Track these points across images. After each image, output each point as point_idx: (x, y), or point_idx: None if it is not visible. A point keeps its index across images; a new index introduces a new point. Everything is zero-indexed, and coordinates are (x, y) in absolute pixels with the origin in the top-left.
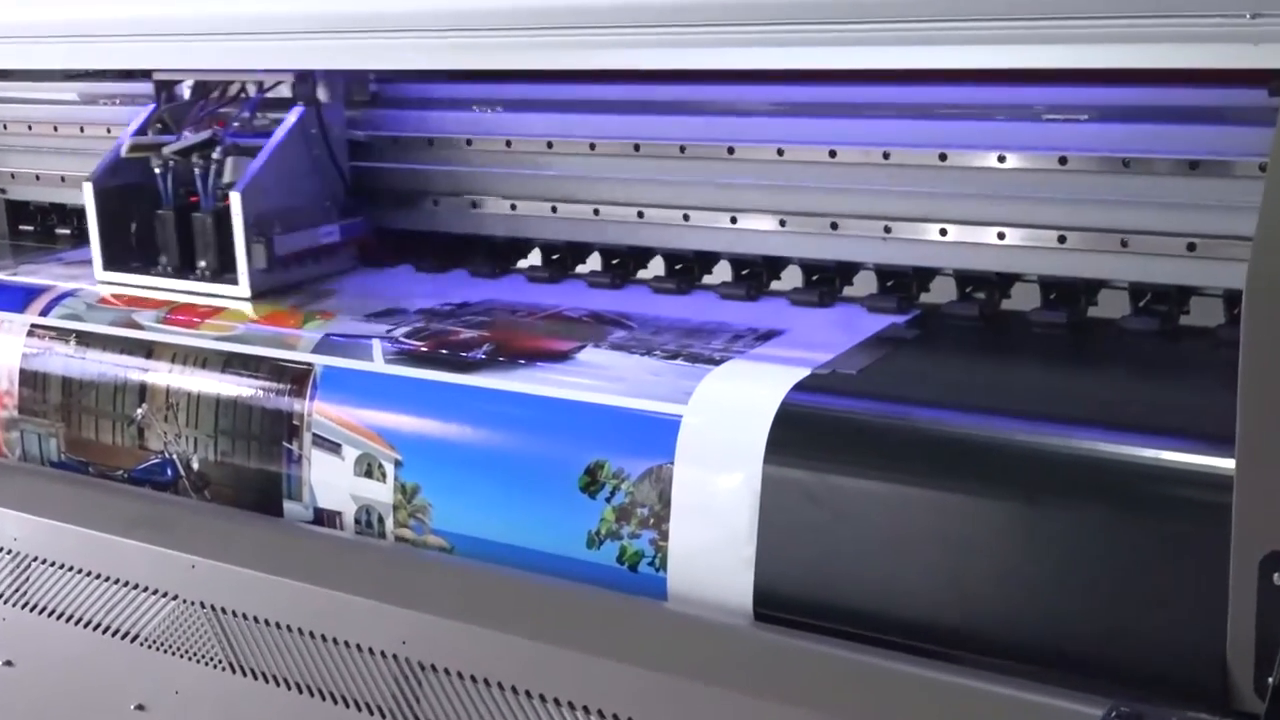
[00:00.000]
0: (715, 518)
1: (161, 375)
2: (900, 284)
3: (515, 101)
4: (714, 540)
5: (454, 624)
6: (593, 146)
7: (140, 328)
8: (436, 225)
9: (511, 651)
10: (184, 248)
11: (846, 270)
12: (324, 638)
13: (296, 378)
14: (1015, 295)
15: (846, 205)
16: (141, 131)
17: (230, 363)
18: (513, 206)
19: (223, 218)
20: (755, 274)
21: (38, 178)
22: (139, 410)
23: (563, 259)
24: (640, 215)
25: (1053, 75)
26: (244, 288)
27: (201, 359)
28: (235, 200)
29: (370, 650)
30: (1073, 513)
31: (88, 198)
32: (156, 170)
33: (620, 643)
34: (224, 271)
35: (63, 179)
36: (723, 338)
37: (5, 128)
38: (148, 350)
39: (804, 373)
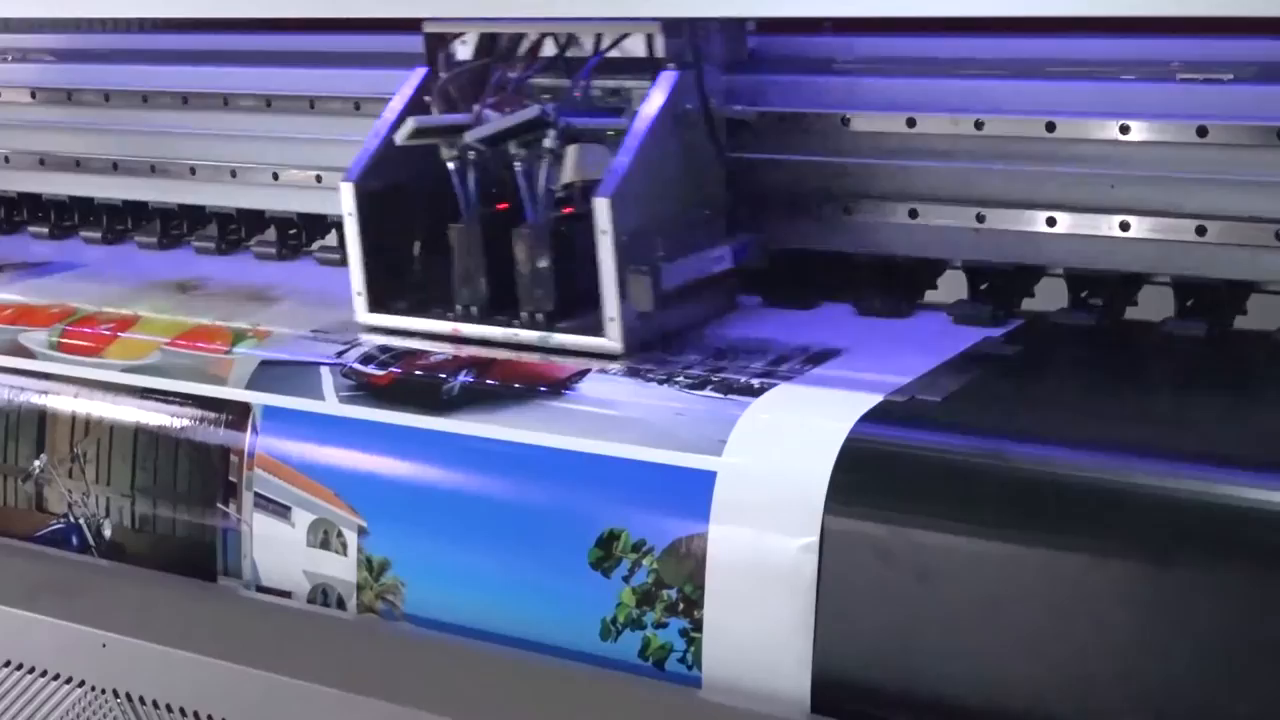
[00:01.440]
0: (763, 600)
1: (63, 417)
2: (996, 287)
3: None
4: (762, 628)
5: (438, 719)
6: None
7: (30, 354)
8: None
9: None
10: (496, 279)
11: (927, 270)
12: None
13: (231, 419)
14: (1143, 301)
15: (928, 186)
16: (411, 109)
17: (149, 400)
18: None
19: (565, 236)
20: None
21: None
22: (35, 463)
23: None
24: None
25: (1189, 24)
26: (614, 339)
27: (112, 396)
28: (602, 210)
29: None
30: (1221, 577)
31: (347, 202)
32: (451, 165)
33: None
34: (566, 316)
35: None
36: (764, 358)
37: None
38: (45, 385)
39: (874, 400)
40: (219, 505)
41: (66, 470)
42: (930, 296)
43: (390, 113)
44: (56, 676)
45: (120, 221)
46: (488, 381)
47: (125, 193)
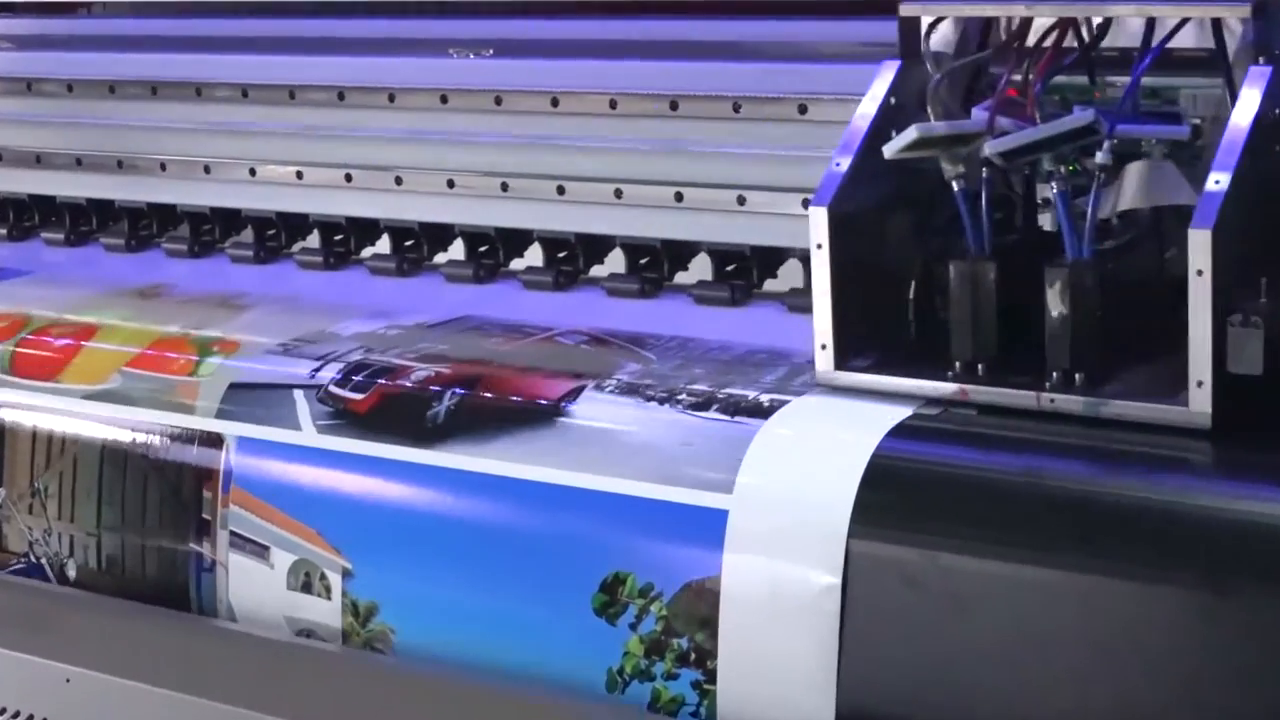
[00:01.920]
0: (782, 648)
1: (21, 447)
2: None
3: None
4: (781, 678)
5: None
6: None
7: None
8: None
9: None
10: (1012, 331)
11: None
12: None
13: (203, 451)
14: None
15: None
16: (892, 109)
17: (112, 429)
18: None
19: (1114, 275)
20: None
21: None
22: None
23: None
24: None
25: None
26: (1200, 411)
27: (73, 425)
28: (1200, 244)
29: None
30: None
31: (819, 230)
32: (956, 186)
33: None
34: (1106, 377)
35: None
36: (777, 370)
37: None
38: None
39: (903, 413)
40: (192, 544)
41: (26, 506)
42: None
43: (863, 118)
44: (16, 715)
45: (84, 222)
46: (475, 404)
47: (90, 190)
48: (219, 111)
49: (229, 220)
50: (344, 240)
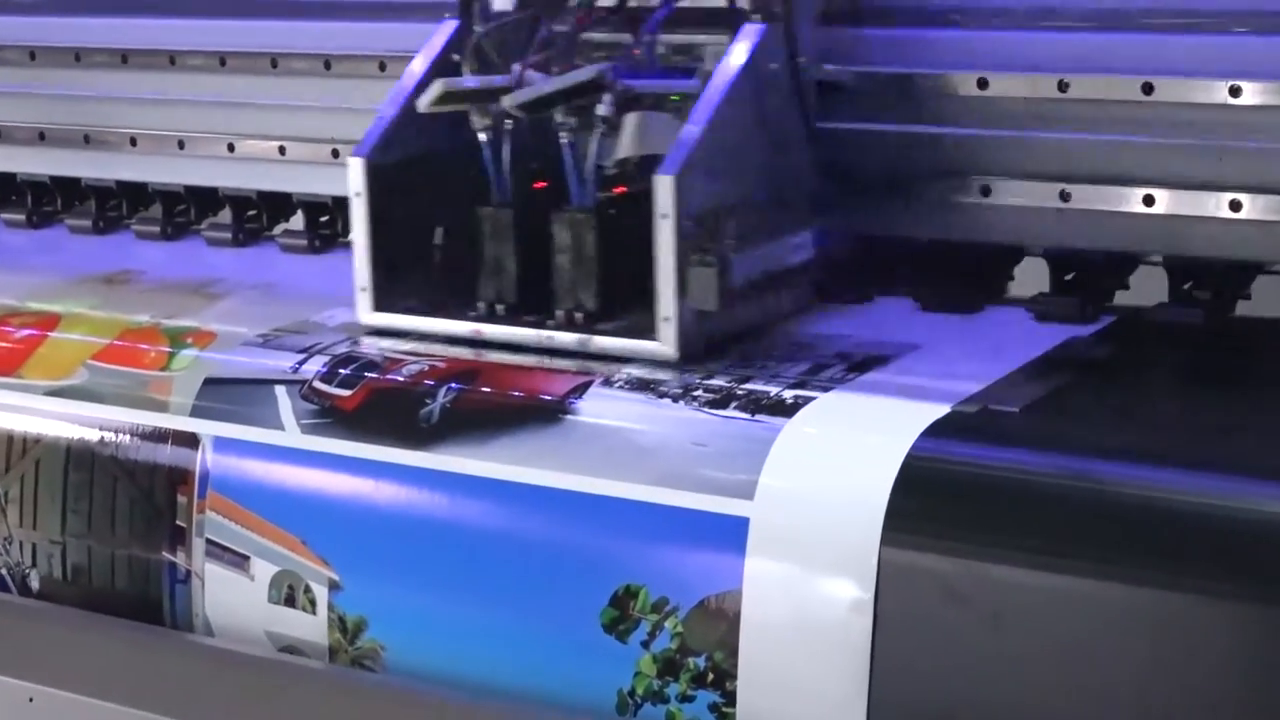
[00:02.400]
0: (808, 666)
1: None
2: (1085, 276)
3: None
4: (807, 700)
5: None
6: None
7: None
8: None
9: None
10: (530, 272)
11: (1003, 258)
12: None
13: (177, 453)
14: (1258, 293)
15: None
16: (437, 69)
17: (79, 428)
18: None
19: (614, 220)
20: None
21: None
22: None
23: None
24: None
25: None
26: (667, 344)
27: (35, 424)
28: (664, 190)
29: None
30: None
31: (356, 180)
32: (483, 137)
33: None
34: (613, 316)
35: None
36: (799, 364)
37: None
38: None
39: (940, 411)
40: (165, 554)
41: None
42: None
43: (411, 75)
44: None
45: (48, 201)
46: (472, 401)
47: (54, 168)
48: (194, 82)
49: (205, 200)
50: (330, 221)
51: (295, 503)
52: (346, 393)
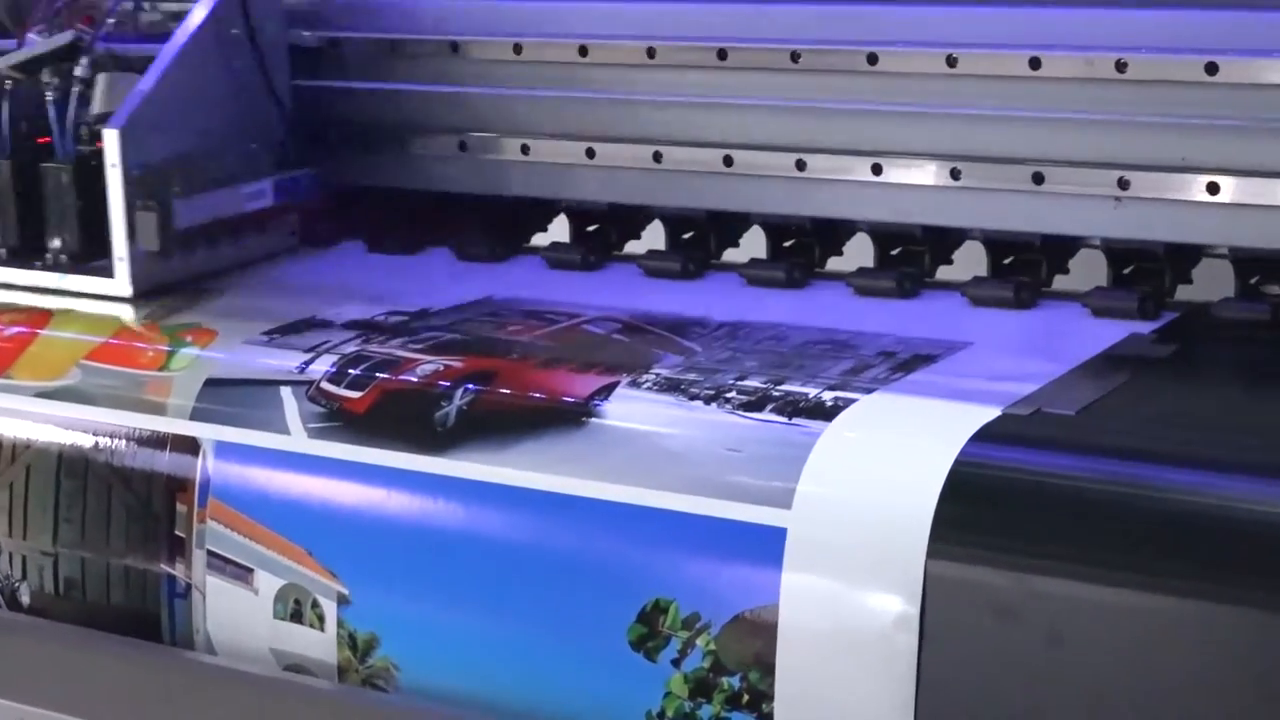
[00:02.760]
0: (850, 686)
1: None
2: (1145, 270)
3: None
4: (849, 718)
5: None
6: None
7: None
8: (408, 179)
9: None
10: (27, 218)
11: (1059, 249)
12: None
13: (176, 458)
14: None
15: (1056, 144)
16: None
17: (71, 432)
18: (524, 149)
19: (89, 171)
20: (910, 254)
21: None
22: None
23: (604, 230)
24: (728, 162)
25: None
26: (121, 282)
27: (25, 428)
28: (110, 142)
29: None
30: None
31: None
32: None
33: None
34: (90, 257)
35: None
36: (841, 363)
37: None
38: None
39: (990, 414)
40: (163, 566)
41: None
42: (1062, 282)
43: None
44: None
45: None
46: (490, 403)
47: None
48: None
49: None
50: None
51: (302, 512)
52: (356, 394)
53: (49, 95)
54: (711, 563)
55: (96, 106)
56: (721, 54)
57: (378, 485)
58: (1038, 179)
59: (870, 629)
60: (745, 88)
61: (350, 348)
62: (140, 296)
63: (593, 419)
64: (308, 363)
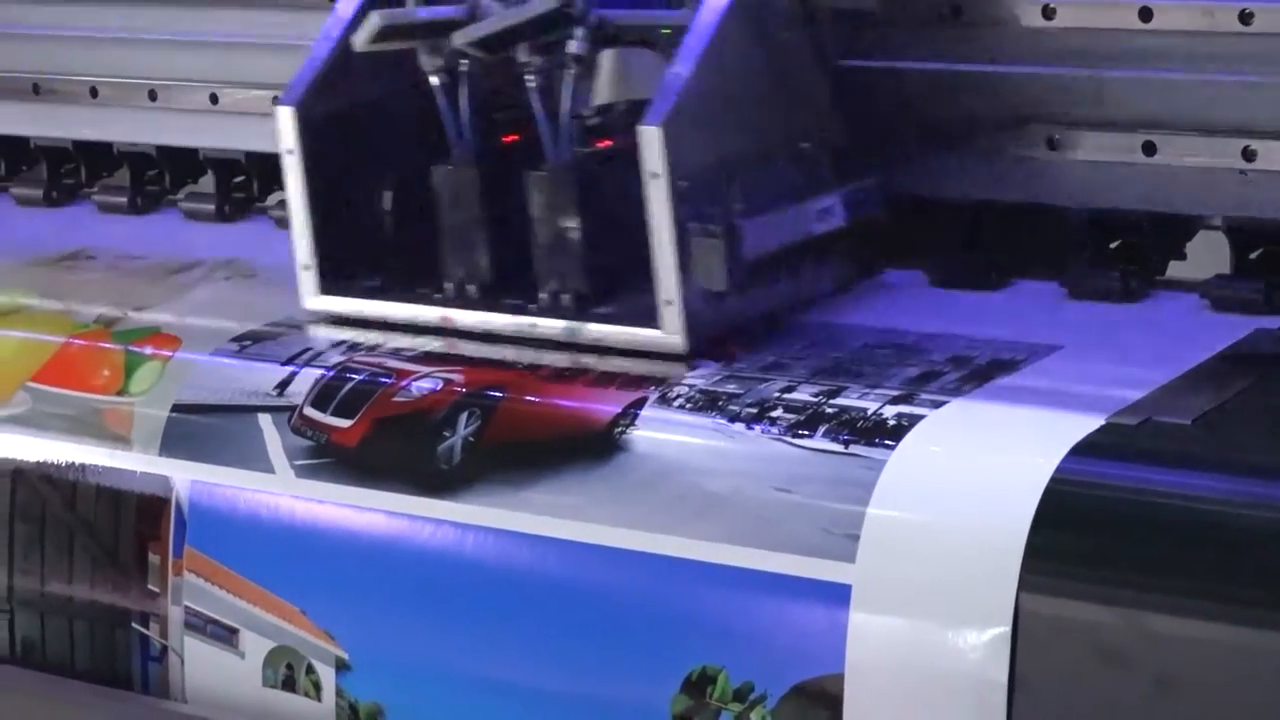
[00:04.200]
0: None
1: None
2: (1274, 255)
3: None
4: None
5: None
6: None
7: None
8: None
9: None
10: (505, 245)
11: (1173, 230)
12: None
13: (145, 500)
14: None
15: (1170, 109)
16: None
17: (25, 470)
18: None
19: (597, 181)
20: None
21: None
22: None
23: None
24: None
25: None
26: (673, 332)
27: None
28: (651, 143)
29: None
30: None
31: (287, 135)
32: (435, 81)
33: None
34: (601, 299)
35: None
36: (910, 368)
37: None
38: None
39: (1093, 424)
40: (135, 625)
41: None
42: (1176, 269)
43: (348, 5)
44: None
45: None
46: (500, 430)
47: None
48: (167, 16)
49: (184, 163)
50: None
51: (292, 563)
52: (345, 423)
53: (530, 80)
54: (766, 624)
55: (604, 94)
56: None
57: (378, 532)
58: (1149, 149)
59: (951, 702)
60: None
61: (334, 356)
62: (693, 354)
63: (620, 452)
64: (286, 382)
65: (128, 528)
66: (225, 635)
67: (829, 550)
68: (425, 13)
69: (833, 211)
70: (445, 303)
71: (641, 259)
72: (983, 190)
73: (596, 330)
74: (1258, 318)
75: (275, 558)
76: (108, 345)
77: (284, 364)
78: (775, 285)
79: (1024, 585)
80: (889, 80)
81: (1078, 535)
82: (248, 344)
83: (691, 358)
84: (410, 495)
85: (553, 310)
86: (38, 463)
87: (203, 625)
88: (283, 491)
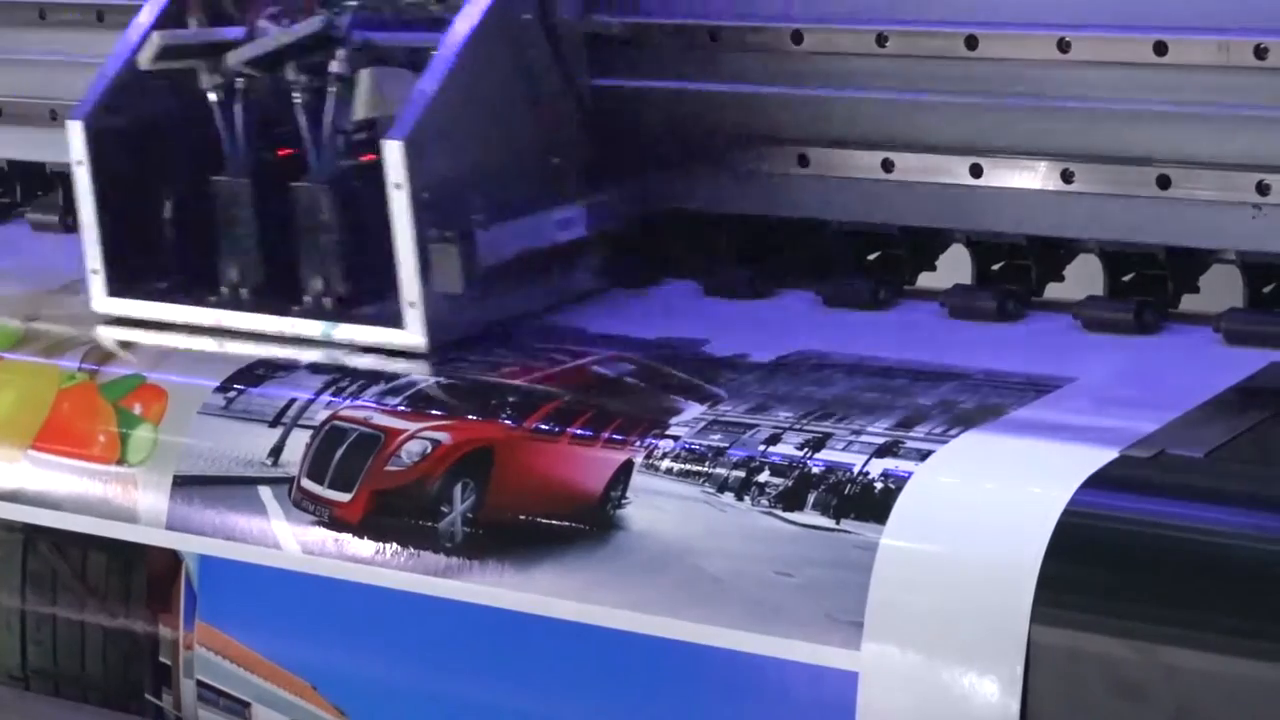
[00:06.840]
0: None
1: None
2: None
3: None
4: None
5: None
6: None
7: None
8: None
9: None
10: (272, 251)
11: (1187, 264)
12: None
13: (157, 574)
14: None
15: (1185, 143)
16: (168, 21)
17: (34, 542)
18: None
19: (357, 192)
20: (1016, 269)
21: None
22: None
23: None
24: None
25: None
26: (415, 332)
27: None
28: (394, 155)
29: None
30: None
31: (77, 147)
32: (213, 98)
33: None
34: (361, 301)
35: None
36: (894, 413)
37: None
38: None
39: (1105, 457)
40: (147, 697)
41: None
42: (1190, 303)
43: (137, 27)
44: None
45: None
46: (496, 509)
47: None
48: None
49: None
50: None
51: (303, 638)
52: (344, 497)
53: (296, 97)
54: (769, 715)
55: (361, 110)
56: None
57: (388, 609)
58: (1163, 183)
59: None
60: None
61: (320, 413)
62: (438, 354)
63: (617, 530)
64: (278, 449)
65: (138, 600)
66: (237, 709)
67: (831, 635)
68: (204, 34)
69: (576, 222)
70: (219, 305)
71: (395, 265)
72: (736, 204)
73: (349, 331)
74: (1272, 351)
75: (286, 632)
76: (96, 404)
77: (269, 422)
78: (520, 290)
79: (1037, 617)
80: (638, 100)
81: (1092, 569)
82: (233, 394)
83: (434, 356)
84: (417, 574)
85: (315, 312)
86: (44, 533)
87: (215, 699)
88: (290, 567)
